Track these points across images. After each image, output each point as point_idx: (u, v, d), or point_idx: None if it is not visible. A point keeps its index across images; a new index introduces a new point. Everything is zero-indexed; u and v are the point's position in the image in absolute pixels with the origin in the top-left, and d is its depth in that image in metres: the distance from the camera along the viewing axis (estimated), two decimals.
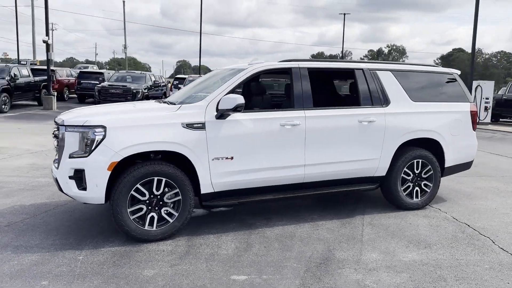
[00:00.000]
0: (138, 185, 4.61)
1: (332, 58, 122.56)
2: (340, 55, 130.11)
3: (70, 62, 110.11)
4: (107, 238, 4.79)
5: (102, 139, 4.48)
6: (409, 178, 6.03)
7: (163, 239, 4.76)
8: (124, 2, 58.31)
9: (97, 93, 19.49)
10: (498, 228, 5.41)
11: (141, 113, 4.96)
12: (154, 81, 21.25)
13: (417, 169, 6.06)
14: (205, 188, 4.92)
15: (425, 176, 6.12)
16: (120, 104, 6.19)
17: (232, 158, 4.97)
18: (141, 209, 4.67)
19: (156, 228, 4.74)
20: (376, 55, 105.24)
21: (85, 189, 4.52)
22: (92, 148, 4.47)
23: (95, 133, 4.49)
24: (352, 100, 6.23)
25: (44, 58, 28.43)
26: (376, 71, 5.91)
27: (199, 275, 3.96)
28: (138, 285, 3.74)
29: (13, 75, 19.36)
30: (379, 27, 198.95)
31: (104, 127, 4.50)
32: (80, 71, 26.70)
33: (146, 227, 4.70)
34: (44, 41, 20.75)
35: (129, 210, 4.60)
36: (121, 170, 4.65)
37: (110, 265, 4.12)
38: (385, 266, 4.24)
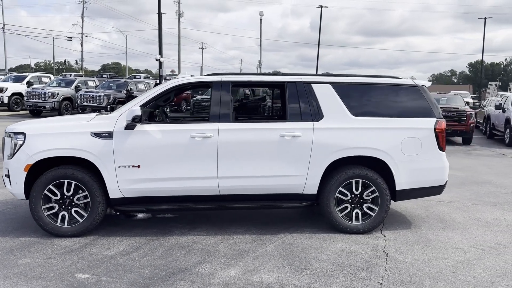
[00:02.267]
0: (50, 186, 5.25)
1: (493, 66, 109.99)
2: (504, 63, 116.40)
3: None
4: (32, 231, 5.53)
5: (22, 144, 5.24)
6: (346, 198, 5.55)
7: (74, 236, 5.31)
8: (261, 20, 61.71)
9: (192, 106, 21.25)
10: (416, 266, 4.68)
11: (62, 122, 5.62)
12: (245, 94, 22.41)
13: (356, 190, 5.54)
14: (113, 193, 5.33)
15: (368, 198, 5.56)
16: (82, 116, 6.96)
17: (139, 166, 5.29)
18: (53, 207, 5.30)
19: (67, 225, 5.31)
20: None
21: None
22: (15, 152, 5.27)
23: (17, 139, 5.28)
24: (280, 114, 6.00)
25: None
26: (312, 84, 5.62)
27: (51, 269, 4.40)
28: (7, 271, 4.34)
29: (129, 89, 22.26)
30: None
31: (24, 134, 5.26)
32: None
33: (58, 223, 5.30)
34: (156, 59, 23.30)
35: (43, 207, 5.26)
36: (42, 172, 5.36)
37: (7, 252, 4.81)
38: (233, 283, 4.11)
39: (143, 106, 5.38)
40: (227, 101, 5.51)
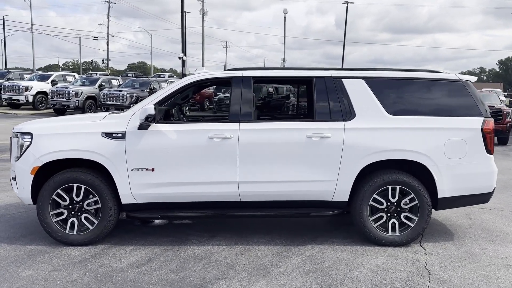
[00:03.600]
0: (59, 190, 4.87)
1: None
2: None
3: None
4: (40, 238, 5.16)
5: (29, 145, 4.87)
6: (382, 207, 4.97)
7: (83, 244, 4.92)
8: (285, 17, 61.03)
9: (214, 104, 20.89)
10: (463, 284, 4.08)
11: (71, 122, 5.23)
12: (269, 92, 21.92)
13: (393, 197, 4.96)
14: (125, 199, 4.91)
15: (406, 206, 4.97)
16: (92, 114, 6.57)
17: (153, 169, 4.86)
18: (62, 213, 4.92)
19: (76, 233, 4.92)
20: None
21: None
22: (21, 153, 4.90)
23: (24, 139, 4.91)
24: (307, 113, 5.47)
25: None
26: (342, 80, 5.06)
27: (56, 283, 4.00)
28: (8, 284, 3.97)
29: (152, 88, 22.05)
30: None
31: (31, 134, 4.89)
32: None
33: (67, 231, 4.92)
34: (179, 58, 23.03)
35: (51, 213, 4.89)
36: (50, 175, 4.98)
37: (11, 262, 4.45)
38: None
39: (158, 104, 4.94)
40: (249, 99, 5.01)
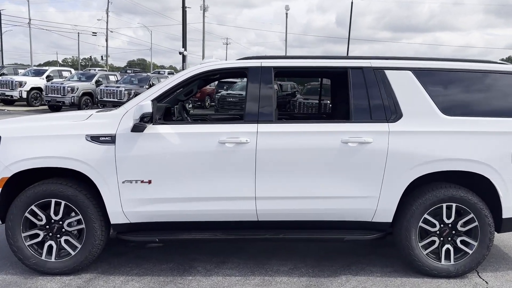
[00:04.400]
0: (33, 207, 3.91)
1: None
2: None
3: None
4: (9, 266, 4.20)
5: None
6: (434, 230, 4.02)
7: (63, 274, 3.96)
8: (287, 14, 59.97)
9: (216, 102, 19.89)
10: None
11: (49, 121, 4.25)
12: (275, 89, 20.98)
13: (448, 218, 4.00)
14: (115, 218, 3.95)
15: (463, 229, 4.01)
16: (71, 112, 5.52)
17: (150, 182, 3.90)
18: (37, 235, 3.96)
19: (55, 259, 3.97)
20: None
21: None
22: None
23: None
24: (341, 112, 4.51)
25: None
26: (385, 71, 4.10)
27: None
28: None
29: (151, 84, 21.05)
30: None
31: None
32: (219, 81, 27.89)
33: (44, 257, 3.96)
34: (180, 53, 22.08)
35: (24, 234, 3.94)
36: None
37: None
38: None
39: (156, 100, 3.98)
40: (269, 94, 4.05)
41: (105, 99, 19.76)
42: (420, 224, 4.00)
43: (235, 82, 23.94)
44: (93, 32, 57.21)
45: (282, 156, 3.90)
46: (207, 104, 27.77)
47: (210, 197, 3.93)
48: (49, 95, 20.78)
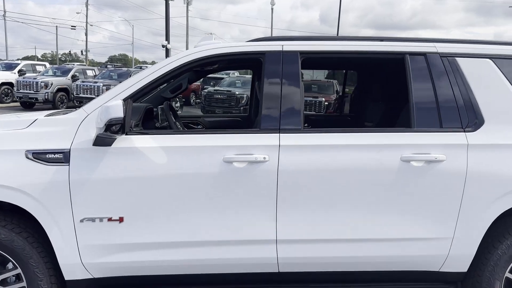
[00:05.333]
0: None
1: None
2: None
3: None
4: None
5: None
6: None
7: None
8: (272, 9, 58.76)
9: (203, 98, 18.58)
10: None
11: None
12: None
13: None
14: (71, 272, 2.69)
15: None
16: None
17: (121, 219, 2.64)
18: None
19: None
20: None
21: None
22: None
23: None
24: (395, 116, 3.31)
25: None
26: (457, 59, 2.91)
27: None
28: None
29: None
30: None
31: None
32: (207, 76, 26.52)
33: None
34: (163, 46, 20.75)
35: None
36: None
37: None
38: None
39: (130, 99, 2.72)
40: (294, 92, 2.82)
41: (81, 95, 18.27)
42: (507, 274, 2.83)
43: (222, 78, 22.68)
44: (72, 26, 55.08)
45: (314, 180, 2.68)
46: (192, 101, 26.40)
47: (210, 241, 2.70)
48: (20, 91, 19.19)
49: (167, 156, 2.64)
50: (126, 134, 2.65)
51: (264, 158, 2.64)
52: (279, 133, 2.72)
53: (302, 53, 2.86)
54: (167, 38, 20.93)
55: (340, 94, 17.25)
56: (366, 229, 2.73)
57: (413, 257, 2.80)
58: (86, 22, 54.39)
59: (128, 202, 2.63)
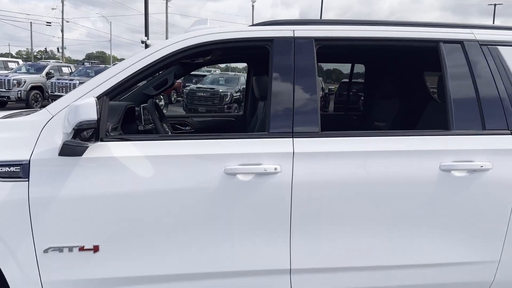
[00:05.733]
0: None
1: None
2: None
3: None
4: None
5: None
6: None
7: None
8: (253, 6, 58.21)
9: (185, 96, 17.95)
10: None
11: None
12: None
13: None
14: None
15: None
16: None
17: (96, 249, 2.10)
18: None
19: None
20: None
21: None
22: None
23: None
24: (430, 116, 2.85)
25: None
26: (498, 48, 2.45)
27: None
28: None
29: None
30: None
31: None
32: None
33: None
34: (142, 42, 20.05)
35: None
36: None
37: None
38: None
39: (106, 97, 2.18)
40: (310, 87, 2.31)
41: (56, 93, 17.39)
42: None
43: (205, 75, 22.07)
44: (47, 22, 53.46)
45: (337, 195, 2.18)
46: (173, 99, 25.71)
47: (209, 273, 2.18)
48: None
49: (153, 168, 2.11)
50: (102, 141, 2.11)
51: (275, 169, 2.13)
52: (293, 137, 2.21)
53: (317, 40, 2.35)
54: (147, 34, 20.20)
55: (326, 91, 16.85)
56: (399, 253, 2.25)
57: (452, 285, 2.34)
58: (62, 18, 52.94)
59: (105, 226, 2.09)
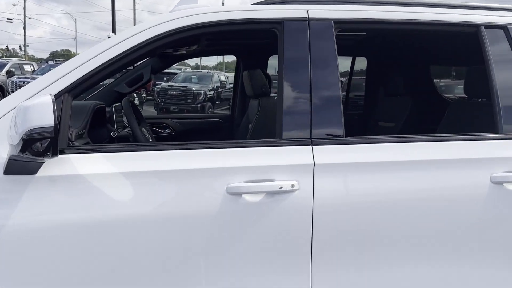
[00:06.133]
0: None
1: None
2: None
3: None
4: None
5: None
6: None
7: None
8: (223, 4, 57.69)
9: (156, 95, 17.27)
10: None
11: None
12: (221, 81, 18.48)
13: None
14: None
15: None
16: None
17: None
18: None
19: None
20: None
21: None
22: None
23: None
24: (472, 115, 2.44)
25: None
26: None
27: None
28: None
29: None
30: None
31: None
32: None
33: None
34: (109, 37, 19.06)
35: None
36: None
37: None
38: None
39: (69, 94, 1.65)
40: (330, 81, 1.83)
41: None
42: None
43: (176, 73, 21.36)
44: (8, 19, 51.22)
45: (369, 216, 1.73)
46: (143, 97, 24.86)
47: None
48: None
49: (132, 189, 1.60)
50: (62, 153, 1.58)
51: (292, 186, 1.66)
52: (312, 145, 1.74)
53: (337, 22, 1.88)
54: (114, 30, 19.34)
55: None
56: (445, 281, 1.82)
57: None
58: (24, 14, 50.85)
59: (70, 271, 1.56)
